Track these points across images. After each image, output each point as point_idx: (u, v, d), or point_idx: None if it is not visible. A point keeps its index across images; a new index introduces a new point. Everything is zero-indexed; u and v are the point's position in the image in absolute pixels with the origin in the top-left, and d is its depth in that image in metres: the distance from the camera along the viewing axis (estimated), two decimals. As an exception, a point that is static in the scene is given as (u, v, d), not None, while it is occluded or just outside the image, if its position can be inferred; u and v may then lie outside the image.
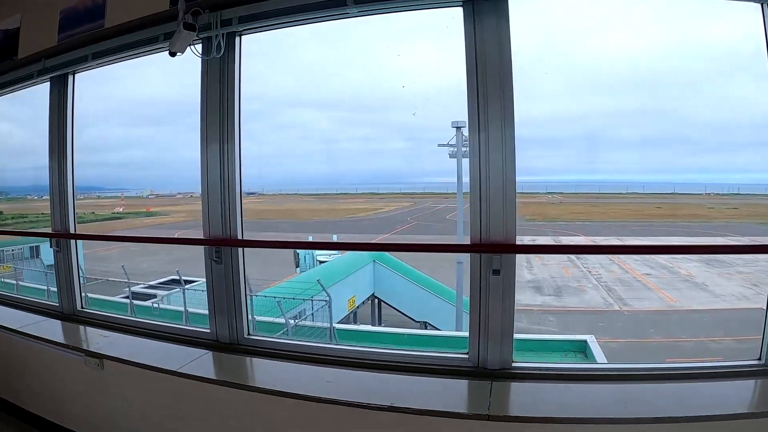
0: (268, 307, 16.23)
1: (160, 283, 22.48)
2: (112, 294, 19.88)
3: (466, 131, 24.38)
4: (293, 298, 16.25)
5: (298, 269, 29.03)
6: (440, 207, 61.89)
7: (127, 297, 19.26)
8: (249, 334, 5.25)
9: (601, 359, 14.41)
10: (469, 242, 4.36)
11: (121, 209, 53.98)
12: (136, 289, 20.02)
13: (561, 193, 64.40)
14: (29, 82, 6.49)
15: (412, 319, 25.80)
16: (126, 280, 19.41)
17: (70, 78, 6.19)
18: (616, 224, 51.89)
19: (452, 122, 25.73)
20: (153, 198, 60.85)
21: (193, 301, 17.43)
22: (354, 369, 4.53)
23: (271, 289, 19.10)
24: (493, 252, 4.21)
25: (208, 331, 5.34)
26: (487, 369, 4.30)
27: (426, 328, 25.60)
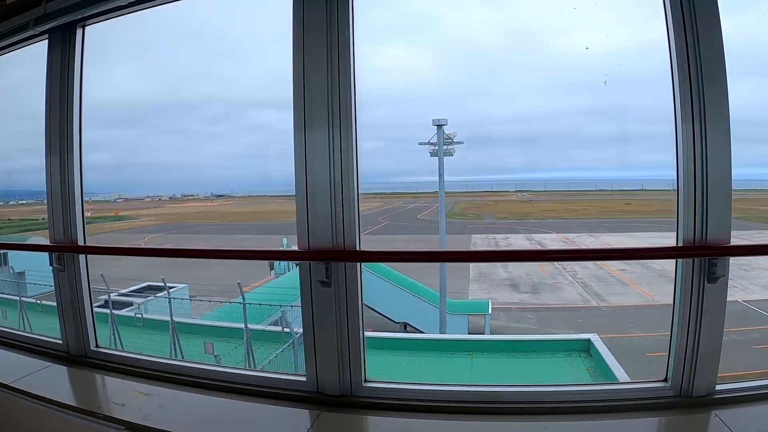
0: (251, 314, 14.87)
1: (133, 291, 20.95)
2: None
3: (447, 129, 23.51)
4: (291, 306, 14.71)
5: (272, 272, 28.07)
6: (410, 207, 62.36)
7: (100, 306, 17.10)
8: (367, 381, 3.75)
9: (608, 357, 13.42)
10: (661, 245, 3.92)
11: (88, 214, 49.86)
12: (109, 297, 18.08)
13: (530, 191, 64.85)
14: (19, 39, 4.46)
15: (391, 320, 24.55)
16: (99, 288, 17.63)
17: (79, 32, 4.29)
18: (587, 221, 52.58)
19: (433, 120, 24.67)
20: (121, 202, 58.77)
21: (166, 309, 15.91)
22: (521, 418, 3.40)
23: (255, 292, 17.57)
24: (715, 255, 3.37)
25: (304, 379, 3.79)
26: (694, 397, 3.41)
27: (405, 328, 24.65)
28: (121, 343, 14.12)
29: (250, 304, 15.21)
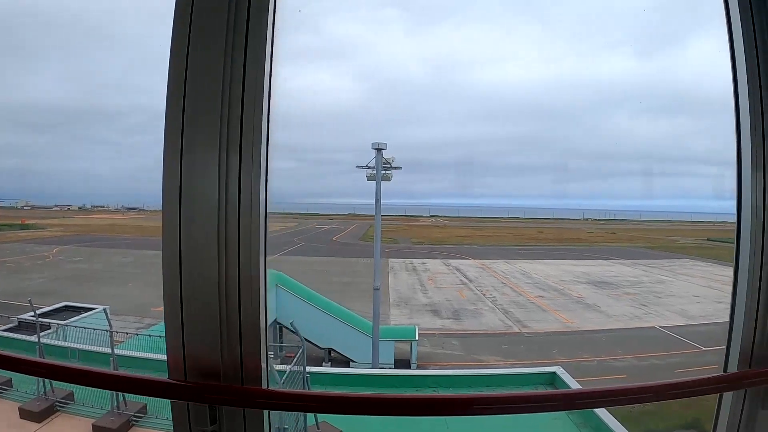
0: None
1: (48, 311, 18.80)
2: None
3: (386, 153, 22.54)
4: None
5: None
6: (326, 228, 62.51)
7: (10, 330, 16.07)
8: None
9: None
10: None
11: (-7, 222, 47.86)
12: (22, 317, 16.36)
13: (444, 216, 65.73)
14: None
15: (316, 345, 23.37)
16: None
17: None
18: (502, 248, 53.89)
19: (372, 143, 23.56)
20: (28, 209, 55.50)
21: (84, 336, 14.19)
22: None
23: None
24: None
25: None
26: None
27: (330, 354, 24.14)
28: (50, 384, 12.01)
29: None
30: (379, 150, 23.28)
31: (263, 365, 2.29)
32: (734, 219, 2.53)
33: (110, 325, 12.64)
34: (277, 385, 9.71)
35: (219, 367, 2.22)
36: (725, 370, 2.61)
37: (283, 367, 11.75)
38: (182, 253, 2.21)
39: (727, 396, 2.54)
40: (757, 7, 2.48)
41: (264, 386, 2.31)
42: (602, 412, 11.12)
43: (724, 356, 2.66)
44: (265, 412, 2.35)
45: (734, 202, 2.54)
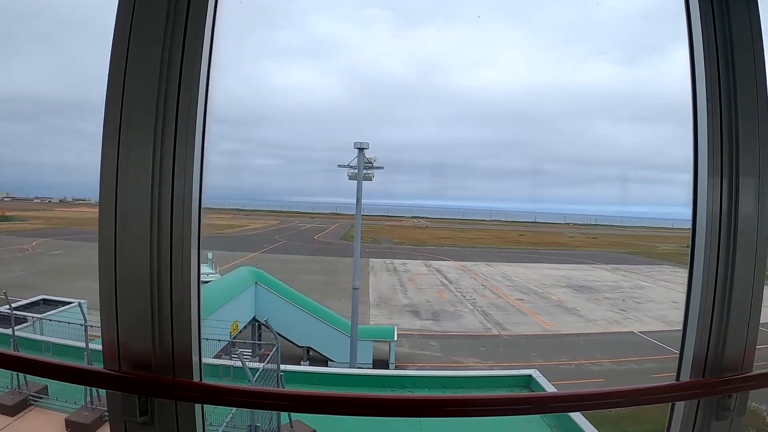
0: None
1: (25, 305, 18.53)
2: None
3: (368, 153, 22.45)
4: (231, 342, 13.22)
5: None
6: (307, 227, 62.31)
7: None
8: None
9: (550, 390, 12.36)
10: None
11: (-27, 212, 47.42)
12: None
13: (426, 217, 65.67)
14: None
15: (294, 344, 23.41)
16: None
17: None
18: (483, 250, 53.90)
19: (354, 143, 23.44)
20: (8, 201, 54.72)
21: (61, 331, 14.42)
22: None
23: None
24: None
25: None
26: None
27: (309, 353, 23.94)
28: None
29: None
30: (361, 149, 23.18)
31: (195, 358, 2.26)
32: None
33: (85, 320, 12.47)
34: (249, 383, 9.61)
35: (151, 358, 2.20)
36: (678, 379, 2.53)
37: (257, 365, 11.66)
38: (117, 244, 2.17)
39: (680, 406, 2.50)
40: (719, 14, 2.50)
41: (196, 380, 2.27)
42: (576, 415, 11.13)
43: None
44: (197, 405, 2.31)
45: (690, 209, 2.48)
